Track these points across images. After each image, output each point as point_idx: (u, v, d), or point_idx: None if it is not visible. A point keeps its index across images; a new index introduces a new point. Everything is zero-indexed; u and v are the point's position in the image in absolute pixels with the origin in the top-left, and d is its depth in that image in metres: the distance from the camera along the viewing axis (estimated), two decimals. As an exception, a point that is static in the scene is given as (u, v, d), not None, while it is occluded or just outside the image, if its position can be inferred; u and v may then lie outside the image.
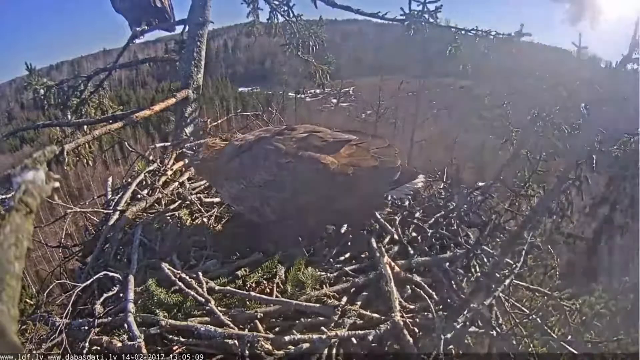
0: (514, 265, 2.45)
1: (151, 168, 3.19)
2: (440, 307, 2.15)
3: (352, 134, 2.45)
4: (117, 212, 2.64)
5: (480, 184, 3.01)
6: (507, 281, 2.33)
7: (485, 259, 2.51)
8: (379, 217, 2.55)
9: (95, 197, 3.76)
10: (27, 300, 2.34)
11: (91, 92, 4.51)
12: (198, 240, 2.48)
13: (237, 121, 4.68)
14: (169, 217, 2.62)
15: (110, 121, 3.43)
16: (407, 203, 2.69)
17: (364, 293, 2.08)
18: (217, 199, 2.85)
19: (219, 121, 4.22)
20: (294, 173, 2.24)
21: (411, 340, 1.83)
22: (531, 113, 3.03)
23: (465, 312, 2.04)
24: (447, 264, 2.34)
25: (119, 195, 2.92)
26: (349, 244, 2.42)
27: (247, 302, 1.98)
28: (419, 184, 2.47)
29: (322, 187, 2.24)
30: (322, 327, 1.82)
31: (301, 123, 2.66)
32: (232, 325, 1.85)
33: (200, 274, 2.13)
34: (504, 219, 2.93)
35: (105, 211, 2.83)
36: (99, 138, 3.59)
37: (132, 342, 1.77)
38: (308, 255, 2.27)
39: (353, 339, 1.82)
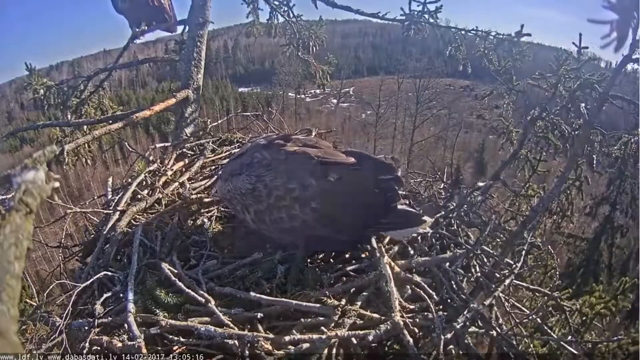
0: (514, 265, 2.45)
1: (151, 168, 3.19)
2: (440, 307, 2.15)
3: (355, 156, 2.21)
4: (117, 213, 2.64)
5: (480, 184, 3.01)
6: (507, 281, 2.33)
7: (485, 259, 2.51)
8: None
9: (95, 198, 3.76)
10: (27, 300, 2.33)
11: (91, 92, 4.52)
12: (198, 240, 2.48)
13: (237, 121, 4.68)
14: (169, 217, 2.62)
15: (110, 121, 3.42)
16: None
17: (364, 293, 2.07)
18: (217, 199, 2.85)
19: (219, 121, 4.21)
20: (269, 188, 2.16)
21: (411, 340, 1.83)
22: (531, 113, 3.03)
23: (465, 312, 2.04)
24: (447, 264, 2.34)
25: (119, 196, 2.92)
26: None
27: (247, 303, 1.98)
28: (425, 228, 2.23)
29: (294, 209, 2.13)
30: (322, 327, 1.82)
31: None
32: (232, 325, 1.85)
33: (200, 274, 2.14)
34: (504, 219, 2.93)
35: (105, 211, 2.83)
36: (99, 138, 3.59)
37: (132, 342, 1.77)
38: (308, 255, 2.26)
39: (353, 339, 1.81)
